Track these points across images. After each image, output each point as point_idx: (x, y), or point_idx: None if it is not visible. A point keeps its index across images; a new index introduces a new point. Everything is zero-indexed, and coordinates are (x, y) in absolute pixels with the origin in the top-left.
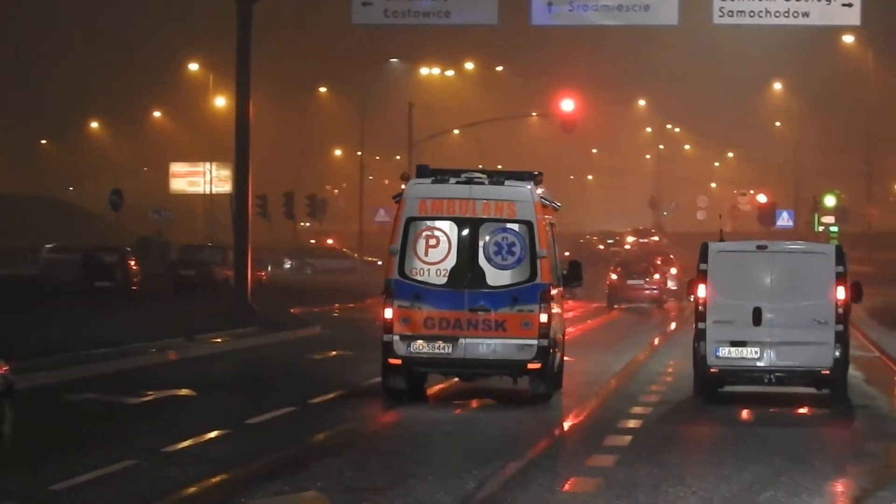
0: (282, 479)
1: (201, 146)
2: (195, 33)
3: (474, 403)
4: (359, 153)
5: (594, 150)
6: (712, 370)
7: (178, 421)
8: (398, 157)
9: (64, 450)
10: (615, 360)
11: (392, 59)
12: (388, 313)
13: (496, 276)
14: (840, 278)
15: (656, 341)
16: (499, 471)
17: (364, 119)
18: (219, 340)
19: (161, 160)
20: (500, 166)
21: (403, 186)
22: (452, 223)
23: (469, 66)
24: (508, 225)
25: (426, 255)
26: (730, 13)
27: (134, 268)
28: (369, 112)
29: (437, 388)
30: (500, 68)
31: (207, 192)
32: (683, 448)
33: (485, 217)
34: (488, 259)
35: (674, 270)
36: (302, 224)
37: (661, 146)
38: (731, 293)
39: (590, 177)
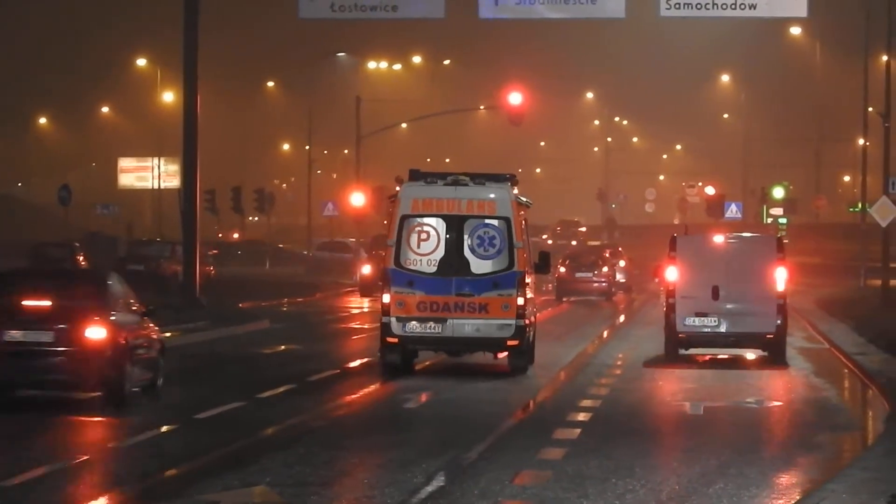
0: (231, 474)
1: (150, 141)
2: (143, 27)
3: (423, 397)
4: (307, 147)
5: (542, 143)
6: (681, 335)
7: (128, 416)
8: (346, 151)
9: (14, 445)
10: (565, 353)
11: (340, 53)
12: (386, 298)
13: (479, 265)
14: (780, 262)
15: (605, 334)
16: (448, 463)
17: (312, 113)
18: (168, 335)
19: (109, 155)
20: (447, 160)
21: (398, 188)
22: (441, 220)
23: (417, 59)
24: (489, 221)
25: (418, 247)
26: (676, 5)
27: (82, 263)
28: (317, 106)
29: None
30: (447, 62)
31: (156, 187)
32: (633, 441)
33: (469, 214)
34: (472, 250)
35: (622, 263)
36: (251, 218)
37: (609, 139)
38: (696, 275)
39: (538, 169)
